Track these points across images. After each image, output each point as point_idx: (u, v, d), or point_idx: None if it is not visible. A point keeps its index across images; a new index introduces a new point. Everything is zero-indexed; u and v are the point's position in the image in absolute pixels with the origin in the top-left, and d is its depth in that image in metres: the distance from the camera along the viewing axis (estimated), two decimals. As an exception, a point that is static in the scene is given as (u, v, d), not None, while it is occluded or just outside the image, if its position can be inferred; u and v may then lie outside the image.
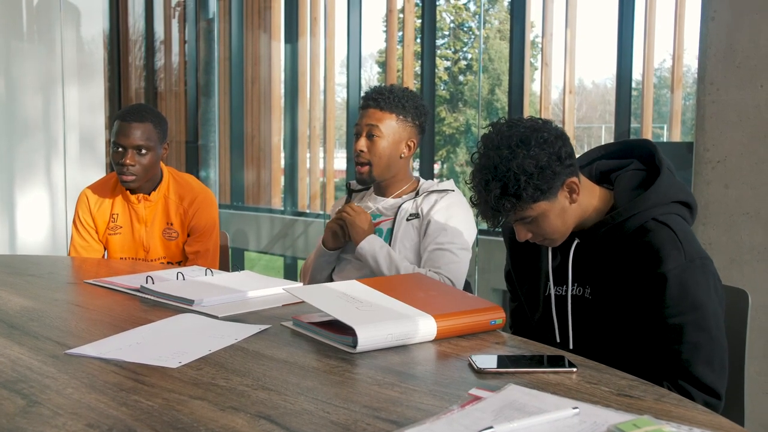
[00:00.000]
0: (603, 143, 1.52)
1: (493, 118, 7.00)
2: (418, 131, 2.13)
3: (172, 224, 2.42)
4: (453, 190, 2.11)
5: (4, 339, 1.35)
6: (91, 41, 4.60)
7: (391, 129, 2.08)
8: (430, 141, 5.21)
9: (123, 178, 2.32)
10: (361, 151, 2.08)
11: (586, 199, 1.48)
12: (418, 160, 5.39)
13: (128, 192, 2.39)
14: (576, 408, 0.95)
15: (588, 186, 1.50)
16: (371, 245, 2.01)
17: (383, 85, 2.14)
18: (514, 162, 1.37)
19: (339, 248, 2.12)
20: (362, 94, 2.18)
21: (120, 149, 2.30)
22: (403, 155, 2.12)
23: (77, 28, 4.48)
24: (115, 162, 2.31)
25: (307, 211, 6.19)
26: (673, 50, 4.62)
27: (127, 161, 2.28)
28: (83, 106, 4.43)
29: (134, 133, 2.29)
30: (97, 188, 2.47)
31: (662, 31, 4.53)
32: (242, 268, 4.01)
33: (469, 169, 1.53)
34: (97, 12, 4.70)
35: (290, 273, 6.19)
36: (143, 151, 2.30)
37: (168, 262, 2.43)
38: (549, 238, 1.48)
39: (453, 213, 2.05)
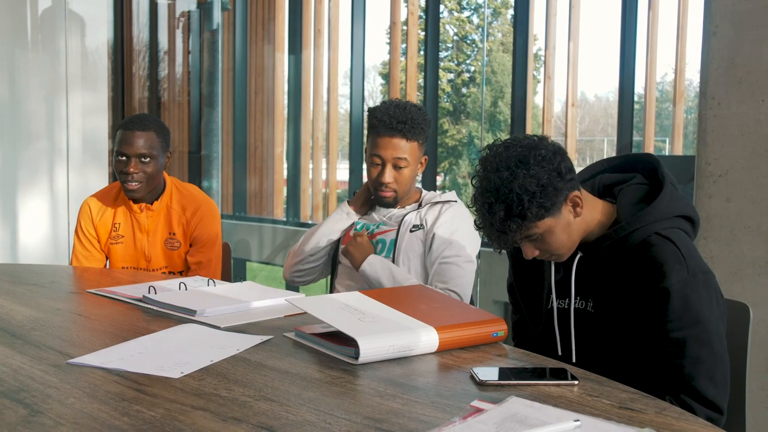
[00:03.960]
0: (605, 156, 1.52)
1: (496, 130, 7.02)
2: (426, 146, 2.15)
3: (174, 234, 2.42)
4: (456, 201, 2.12)
5: (7, 348, 1.35)
6: (96, 51, 4.62)
7: (414, 155, 2.08)
8: (433, 153, 5.22)
9: (127, 186, 2.32)
10: (388, 182, 2.05)
11: (588, 212, 1.48)
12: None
13: (131, 201, 2.40)
14: (578, 421, 0.95)
15: (590, 200, 1.50)
16: (372, 268, 2.02)
17: (395, 101, 2.07)
18: (516, 182, 1.37)
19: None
20: (377, 116, 2.04)
21: (123, 158, 2.31)
22: (420, 173, 2.15)
23: (82, 37, 4.51)
24: (119, 171, 2.32)
25: (309, 221, 6.19)
26: (675, 64, 4.64)
27: (131, 170, 2.29)
28: (87, 115, 4.45)
29: (137, 142, 2.30)
30: (100, 198, 2.47)
31: (664, 45, 4.55)
32: (244, 279, 4.01)
33: (471, 181, 1.53)
34: (101, 22, 4.73)
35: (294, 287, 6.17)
36: (146, 160, 2.31)
37: (170, 272, 2.43)
38: (555, 254, 1.48)
39: (457, 225, 2.06)
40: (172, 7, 7.04)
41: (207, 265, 2.42)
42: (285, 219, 6.35)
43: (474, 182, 1.47)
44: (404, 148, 2.04)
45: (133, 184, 2.31)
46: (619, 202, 1.50)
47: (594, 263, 1.49)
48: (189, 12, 6.83)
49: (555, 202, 1.40)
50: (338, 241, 2.23)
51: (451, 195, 2.15)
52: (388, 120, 2.02)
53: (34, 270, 2.31)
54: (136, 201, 2.40)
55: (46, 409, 1.04)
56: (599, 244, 1.47)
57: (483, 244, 2.19)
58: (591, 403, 1.09)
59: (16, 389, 1.12)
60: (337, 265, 2.26)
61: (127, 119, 2.38)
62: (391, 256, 2.08)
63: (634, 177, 1.54)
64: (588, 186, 1.57)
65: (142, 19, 7.16)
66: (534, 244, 1.46)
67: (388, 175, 2.05)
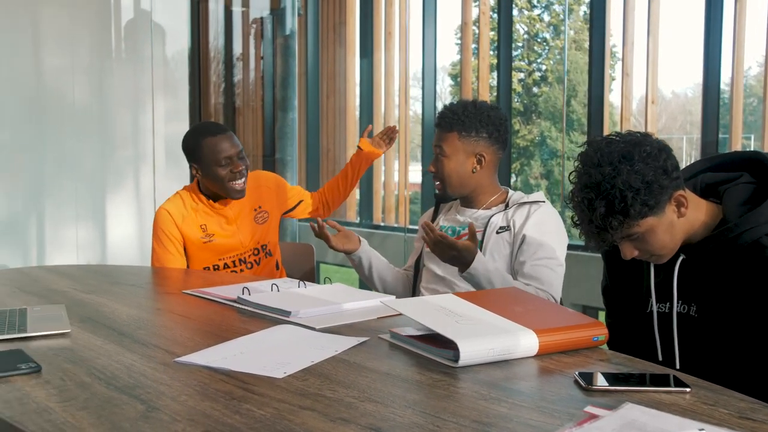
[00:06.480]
0: (684, 155, 1.46)
1: (569, 129, 6.87)
2: (489, 143, 2.09)
3: (261, 207, 2.53)
4: (543, 202, 2.08)
5: (117, 346, 1.40)
6: (175, 58, 4.77)
7: (454, 147, 2.08)
8: (506, 153, 5.15)
9: (237, 186, 2.38)
10: (432, 171, 2.14)
11: (692, 213, 1.43)
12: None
13: (210, 201, 2.44)
14: (702, 430, 0.91)
15: (693, 200, 1.45)
16: (484, 266, 1.93)
17: (452, 102, 2.16)
18: (619, 178, 1.33)
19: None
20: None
21: (230, 160, 2.36)
22: (475, 170, 2.09)
23: (163, 46, 4.67)
24: (229, 172, 2.36)
25: (381, 224, 6.21)
26: (765, 57, 4.43)
27: (242, 168, 2.38)
28: (169, 121, 4.61)
29: (233, 142, 2.39)
30: (175, 206, 2.45)
31: (751, 37, 4.34)
32: (319, 281, 4.05)
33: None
34: (182, 30, 4.88)
35: (366, 285, 6.21)
36: (242, 156, 2.41)
37: (262, 246, 2.52)
38: (656, 254, 1.43)
39: (548, 228, 2.02)
40: (245, 14, 7.20)
41: (306, 192, 2.70)
42: (358, 221, 6.39)
43: (572, 178, 1.43)
44: (440, 138, 2.11)
45: (243, 181, 2.39)
46: (725, 201, 1.44)
47: (698, 266, 1.44)
48: (261, 18, 6.98)
49: (659, 200, 1.36)
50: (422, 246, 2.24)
51: (539, 195, 2.11)
52: (438, 114, 2.16)
53: (130, 271, 2.39)
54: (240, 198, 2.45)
55: (162, 405, 1.07)
56: (705, 246, 1.41)
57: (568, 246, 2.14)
58: (707, 411, 1.04)
59: (132, 386, 1.16)
60: (421, 269, 2.25)
61: (204, 129, 2.44)
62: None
63: (740, 176, 1.47)
64: (689, 185, 1.51)
65: (218, 27, 7.35)
66: (634, 244, 1.42)
67: (432, 163, 2.13)
